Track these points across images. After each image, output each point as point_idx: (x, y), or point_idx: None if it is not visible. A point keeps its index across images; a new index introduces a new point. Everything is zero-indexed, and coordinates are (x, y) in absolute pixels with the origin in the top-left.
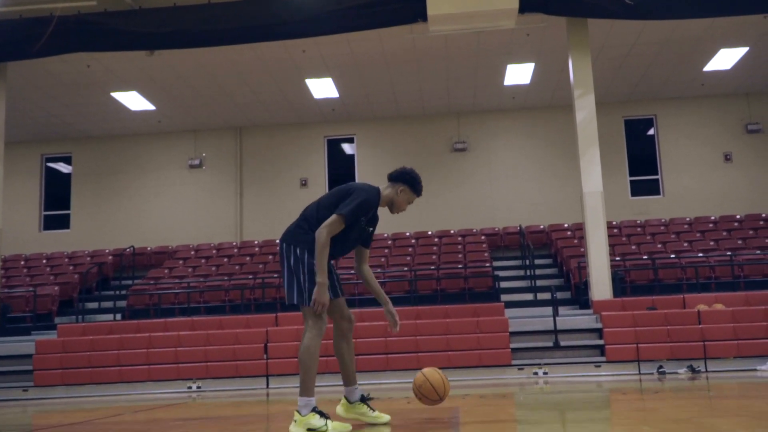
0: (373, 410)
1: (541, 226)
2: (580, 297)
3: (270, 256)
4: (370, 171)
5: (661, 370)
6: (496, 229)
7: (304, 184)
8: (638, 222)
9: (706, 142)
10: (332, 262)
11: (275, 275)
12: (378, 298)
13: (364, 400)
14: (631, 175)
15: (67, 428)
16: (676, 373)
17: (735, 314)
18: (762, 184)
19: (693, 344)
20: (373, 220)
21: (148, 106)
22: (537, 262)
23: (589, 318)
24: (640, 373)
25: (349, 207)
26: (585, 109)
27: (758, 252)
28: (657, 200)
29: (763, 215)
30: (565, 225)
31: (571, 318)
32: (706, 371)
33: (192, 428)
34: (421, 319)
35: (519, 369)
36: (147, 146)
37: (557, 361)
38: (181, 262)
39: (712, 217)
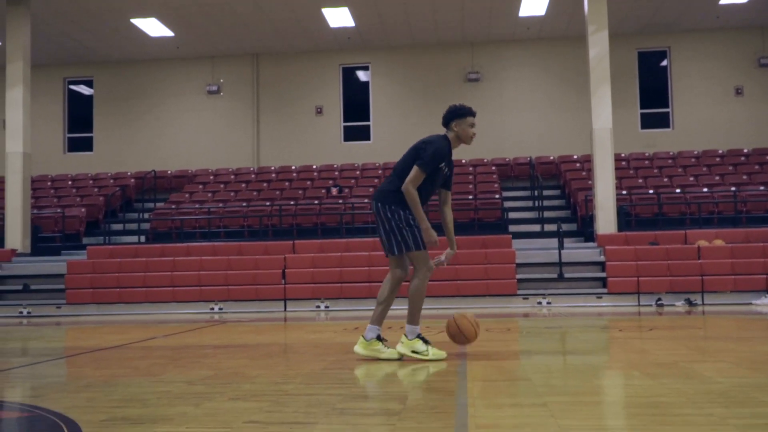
0: (387, 348)
1: (551, 158)
2: (585, 229)
3: (287, 183)
4: (385, 99)
5: (659, 302)
6: (507, 160)
7: (319, 111)
8: (647, 155)
9: (718, 76)
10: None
11: (291, 202)
12: (448, 238)
13: (379, 338)
14: (642, 107)
15: (105, 352)
16: (674, 305)
17: (734, 250)
18: (767, 120)
19: (692, 278)
20: (450, 164)
21: (166, 32)
22: (546, 193)
23: (593, 251)
24: (639, 305)
25: (426, 158)
26: (598, 45)
27: (762, 188)
28: (666, 133)
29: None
30: (575, 157)
31: (576, 251)
32: (703, 304)
33: (223, 357)
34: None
35: (524, 299)
36: (166, 72)
37: (561, 292)
38: (200, 186)
39: (720, 151)
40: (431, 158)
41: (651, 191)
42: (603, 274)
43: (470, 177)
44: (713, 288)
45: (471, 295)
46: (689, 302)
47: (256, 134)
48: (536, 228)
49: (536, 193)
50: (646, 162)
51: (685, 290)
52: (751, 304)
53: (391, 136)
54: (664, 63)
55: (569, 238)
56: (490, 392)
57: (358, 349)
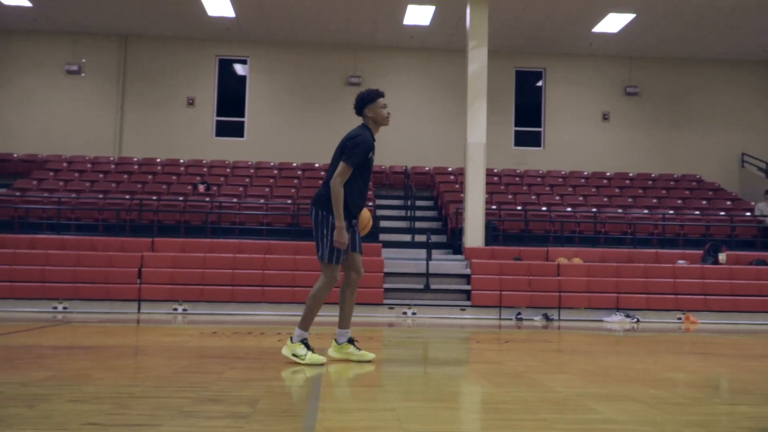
0: (359, 350)
1: (427, 168)
2: (455, 242)
3: (150, 176)
4: (262, 96)
5: (519, 316)
6: (383, 168)
7: (191, 103)
8: (518, 172)
9: (588, 100)
10: (354, 221)
11: (154, 197)
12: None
13: (351, 341)
14: (516, 125)
15: None
16: (533, 320)
17: (590, 269)
18: (634, 145)
19: (550, 294)
20: (373, 150)
21: (23, 1)
22: (419, 204)
23: (460, 264)
24: (500, 318)
25: (352, 152)
26: (477, 61)
27: (620, 210)
28: (538, 152)
29: (630, 174)
30: (450, 169)
31: (443, 263)
32: (559, 320)
33: (65, 359)
34: (299, 255)
35: (390, 308)
36: (21, 45)
37: (427, 303)
38: (51, 173)
39: (585, 173)
40: (358, 151)
41: (519, 207)
42: (468, 287)
43: None
44: (569, 304)
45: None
46: (546, 317)
47: (120, 121)
48: (407, 238)
49: (410, 202)
50: (517, 179)
51: (544, 305)
52: (602, 321)
53: (267, 134)
54: (540, 83)
55: (439, 249)
56: (342, 397)
57: (331, 351)
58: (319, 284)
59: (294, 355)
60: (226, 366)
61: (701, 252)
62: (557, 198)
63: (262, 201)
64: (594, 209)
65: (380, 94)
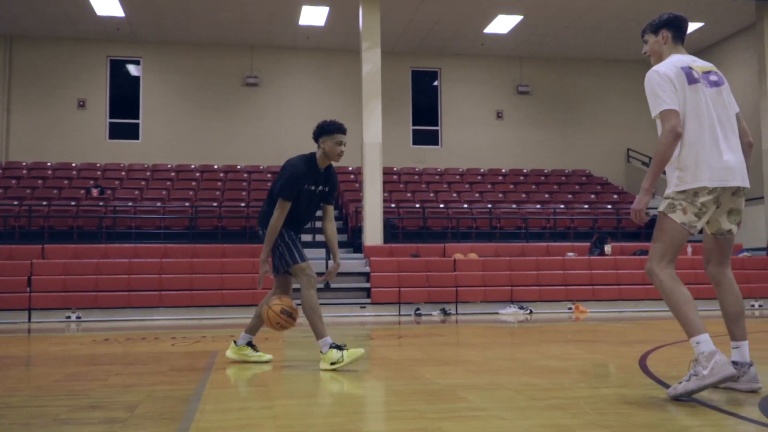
0: (257, 351)
1: None
2: (355, 240)
3: (40, 180)
4: (157, 97)
5: (418, 312)
6: None
7: (82, 105)
8: (417, 170)
9: (482, 99)
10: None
11: (44, 202)
12: (332, 252)
13: (249, 344)
14: (414, 124)
15: None
16: (431, 314)
17: (485, 263)
18: (527, 142)
19: (448, 289)
20: (321, 182)
21: None
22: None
23: (360, 262)
24: (400, 315)
25: (279, 186)
26: (371, 62)
27: (514, 206)
28: (436, 150)
29: (524, 171)
30: (350, 168)
31: (343, 261)
32: (457, 314)
33: None
34: (198, 257)
35: None
36: None
37: (327, 302)
38: None
39: (481, 170)
40: (285, 186)
41: (417, 205)
42: (368, 285)
43: (244, 184)
44: (466, 298)
45: (238, 305)
46: (444, 312)
47: (6, 124)
48: (308, 238)
49: None
50: (416, 177)
51: (442, 300)
52: (497, 313)
53: (163, 135)
54: (436, 83)
55: (340, 249)
56: (224, 397)
57: (229, 353)
58: (302, 292)
59: (333, 363)
60: (112, 372)
61: (589, 244)
62: (454, 195)
63: (158, 204)
64: (489, 205)
65: (341, 130)
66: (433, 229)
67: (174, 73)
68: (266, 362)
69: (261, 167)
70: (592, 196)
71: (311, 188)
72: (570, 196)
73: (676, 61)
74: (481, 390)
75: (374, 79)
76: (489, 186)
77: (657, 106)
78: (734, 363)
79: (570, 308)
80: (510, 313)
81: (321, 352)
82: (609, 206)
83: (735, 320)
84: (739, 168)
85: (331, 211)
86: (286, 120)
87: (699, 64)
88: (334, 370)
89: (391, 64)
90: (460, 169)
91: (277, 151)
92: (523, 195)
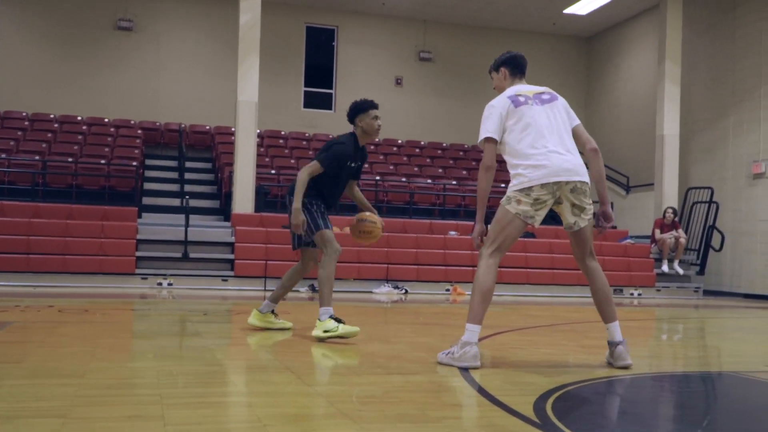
0: (279, 319)
1: (207, 127)
2: (227, 208)
3: None
4: (17, 44)
5: None
6: (158, 124)
7: None
8: (306, 135)
9: (381, 63)
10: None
11: None
12: (367, 207)
13: (273, 312)
14: (306, 85)
15: None
16: (299, 291)
17: (389, 239)
18: (426, 112)
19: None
20: (359, 158)
21: None
22: (196, 166)
23: (226, 231)
24: (265, 290)
25: (327, 157)
26: (250, 11)
27: (404, 179)
28: (328, 115)
29: (422, 143)
30: (232, 129)
31: (207, 230)
32: None
33: None
34: (39, 218)
35: (143, 278)
36: None
37: (185, 273)
38: None
39: (377, 140)
40: (332, 159)
41: None
42: (232, 256)
43: (110, 139)
44: (338, 275)
45: (83, 272)
46: (313, 289)
47: None
48: (177, 202)
49: (183, 164)
50: (304, 143)
51: (312, 277)
52: (371, 292)
53: (23, 85)
54: (333, 42)
55: (211, 216)
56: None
57: (252, 319)
58: (324, 258)
59: (325, 331)
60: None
61: None
62: None
63: (3, 156)
64: (377, 177)
65: (374, 106)
66: None
67: (34, 15)
68: (288, 329)
69: (132, 122)
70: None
71: (352, 164)
72: (464, 172)
73: (507, 92)
74: (258, 373)
75: (253, 30)
76: (381, 157)
77: (481, 134)
78: (608, 342)
79: (448, 290)
80: (384, 292)
81: (318, 318)
82: (502, 185)
83: (600, 306)
84: (573, 167)
85: (355, 185)
86: (164, 71)
87: (530, 89)
88: (324, 339)
89: (282, 18)
90: None
91: (151, 105)
92: (416, 168)
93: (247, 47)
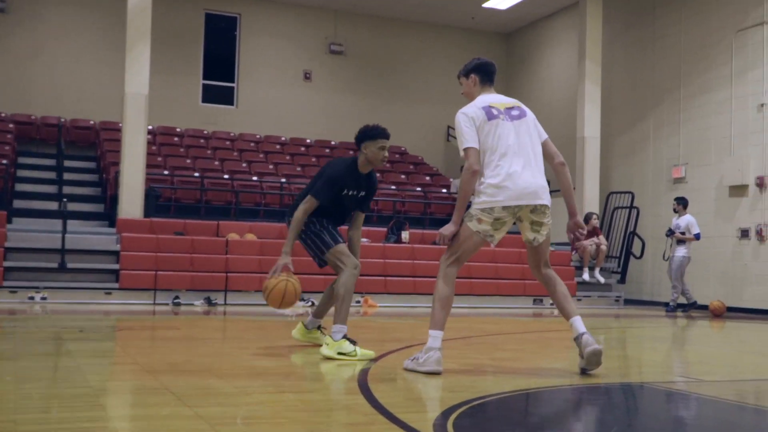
0: (325, 336)
1: (92, 122)
2: (113, 212)
3: None
4: None
5: (176, 300)
6: (33, 118)
7: None
8: (205, 133)
9: (289, 55)
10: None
11: None
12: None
13: (319, 328)
14: (205, 78)
15: None
16: (193, 304)
17: (263, 246)
18: (337, 109)
19: (216, 275)
20: (361, 186)
21: None
22: (77, 165)
23: (110, 238)
24: (155, 303)
25: (318, 186)
26: None
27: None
28: (229, 111)
29: (333, 142)
30: (120, 125)
31: (88, 237)
32: (225, 304)
33: None
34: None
35: (12, 292)
36: None
37: (63, 285)
38: None
39: (283, 138)
40: (323, 187)
41: (197, 174)
42: (117, 266)
43: None
44: (238, 287)
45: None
46: (209, 302)
47: None
48: (54, 206)
49: (61, 163)
50: (202, 141)
51: (209, 288)
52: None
53: None
54: (235, 32)
55: (94, 221)
56: None
57: (296, 333)
58: (344, 271)
59: (341, 354)
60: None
61: (386, 230)
62: (244, 165)
63: None
64: (283, 179)
65: (385, 135)
66: (213, 204)
67: None
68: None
69: (2, 114)
70: (402, 176)
71: (351, 193)
72: (379, 175)
73: (480, 101)
74: (133, 394)
75: (143, 14)
76: (288, 157)
77: (461, 144)
78: (574, 339)
79: (358, 302)
80: (300, 305)
81: (331, 336)
82: (419, 189)
83: (560, 304)
84: (535, 189)
85: (361, 219)
86: (40, 57)
87: (502, 101)
88: (337, 358)
89: (178, 3)
90: (258, 136)
91: (25, 96)
92: None
93: (137, 33)
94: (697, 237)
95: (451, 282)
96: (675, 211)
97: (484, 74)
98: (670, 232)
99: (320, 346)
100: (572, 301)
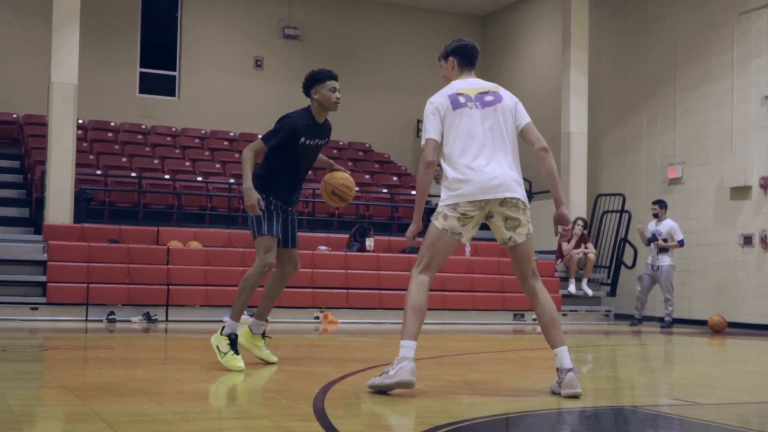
0: (267, 348)
1: (14, 116)
2: (39, 217)
3: None
4: None
5: (111, 317)
6: None
7: None
8: (143, 127)
9: (236, 41)
10: (290, 208)
11: None
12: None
13: (263, 336)
14: (142, 66)
15: None
16: (130, 320)
17: (209, 255)
18: (293, 100)
19: (156, 287)
20: (317, 135)
21: None
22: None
23: (35, 247)
24: (87, 320)
25: (269, 132)
26: None
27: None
28: (171, 103)
29: None
30: (47, 118)
31: (10, 245)
32: (167, 320)
33: None
34: None
35: None
36: None
37: None
38: None
39: (232, 133)
40: (276, 134)
41: (133, 174)
42: (44, 278)
43: None
44: (181, 301)
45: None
46: (148, 318)
47: None
48: None
49: None
50: (140, 137)
51: (148, 303)
52: (222, 320)
53: None
54: (176, 14)
55: (17, 227)
56: None
57: (240, 338)
58: (252, 267)
59: (217, 348)
60: None
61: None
62: (188, 164)
63: None
64: (231, 180)
65: (332, 76)
66: (153, 208)
67: None
68: (273, 363)
69: None
70: (367, 176)
71: (309, 142)
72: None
73: (449, 88)
74: (57, 422)
75: None
76: (237, 155)
77: (423, 135)
78: (557, 369)
79: (317, 317)
80: (248, 319)
81: (222, 327)
82: (385, 190)
83: (546, 329)
84: (502, 181)
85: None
86: None
87: (473, 87)
88: (216, 347)
89: None
90: (203, 131)
91: None
92: None
93: (64, 16)
94: (681, 244)
95: (424, 291)
96: (655, 215)
97: (463, 57)
98: (653, 239)
99: (270, 364)
100: (560, 327)
